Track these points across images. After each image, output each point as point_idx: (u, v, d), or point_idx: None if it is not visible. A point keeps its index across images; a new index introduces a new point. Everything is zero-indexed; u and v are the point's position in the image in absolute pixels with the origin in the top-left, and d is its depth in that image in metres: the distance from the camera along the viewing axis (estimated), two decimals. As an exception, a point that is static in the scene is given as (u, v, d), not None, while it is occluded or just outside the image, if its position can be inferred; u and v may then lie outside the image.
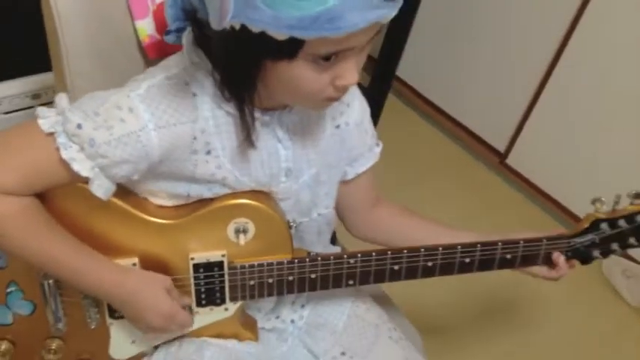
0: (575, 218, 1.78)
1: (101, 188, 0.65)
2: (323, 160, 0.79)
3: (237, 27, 0.56)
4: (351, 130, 0.81)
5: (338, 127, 0.80)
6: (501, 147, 2.00)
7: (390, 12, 0.57)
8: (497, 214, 1.86)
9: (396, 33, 1.82)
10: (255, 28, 0.55)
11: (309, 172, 0.78)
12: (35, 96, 1.23)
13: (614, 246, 0.87)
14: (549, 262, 0.85)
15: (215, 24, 0.55)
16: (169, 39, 0.70)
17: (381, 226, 0.91)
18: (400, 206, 0.93)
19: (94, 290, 0.71)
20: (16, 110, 1.24)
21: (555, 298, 1.66)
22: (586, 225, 0.84)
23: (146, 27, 0.78)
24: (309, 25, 0.53)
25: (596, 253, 0.87)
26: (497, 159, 2.01)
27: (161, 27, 0.78)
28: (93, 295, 0.73)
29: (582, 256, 0.86)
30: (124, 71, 0.71)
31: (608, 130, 1.72)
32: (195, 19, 0.66)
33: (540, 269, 0.86)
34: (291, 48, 0.57)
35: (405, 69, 2.08)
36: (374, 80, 1.94)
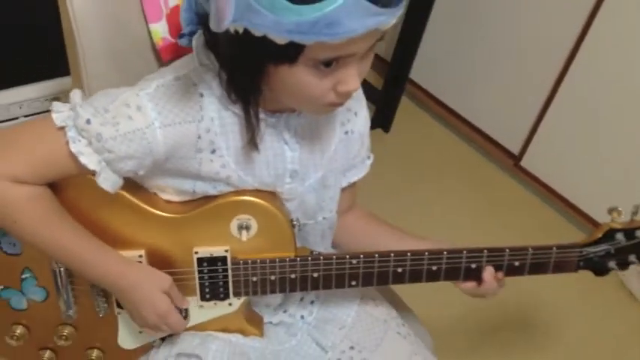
0: (592, 221, 1.74)
1: (107, 181, 0.68)
2: (330, 165, 0.80)
3: (241, 31, 0.58)
4: (355, 138, 0.82)
5: (346, 133, 0.81)
6: (515, 149, 1.97)
7: (389, 19, 0.58)
8: (512, 216, 1.83)
9: (409, 35, 1.83)
10: (257, 32, 0.57)
11: (315, 176, 0.79)
12: (54, 99, 1.29)
13: (632, 258, 0.84)
14: (477, 278, 0.80)
15: (214, 26, 0.57)
16: (183, 42, 0.73)
17: (348, 230, 0.91)
18: (367, 211, 0.93)
19: (99, 280, 0.74)
20: (36, 113, 1.30)
21: (569, 301, 1.63)
22: (599, 235, 0.82)
23: (160, 30, 0.81)
24: (308, 30, 0.55)
25: (611, 264, 0.84)
26: (512, 161, 1.98)
27: (174, 30, 0.81)
28: (99, 285, 0.76)
29: (596, 266, 0.84)
30: (139, 73, 0.74)
31: (623, 132, 1.68)
32: (207, 23, 0.68)
33: (468, 285, 0.81)
34: (291, 52, 0.59)
35: (418, 71, 2.07)
36: (387, 83, 1.95)
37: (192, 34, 0.72)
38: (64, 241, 0.70)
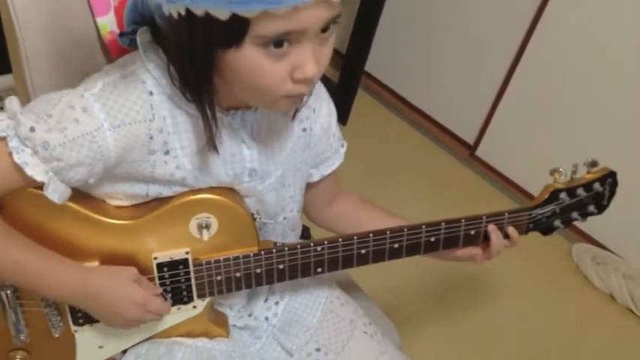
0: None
1: (56, 192, 0.63)
2: (288, 163, 0.78)
3: (183, 12, 0.55)
4: (316, 134, 0.81)
5: (304, 130, 0.79)
6: (470, 139, 2.02)
7: None
8: (468, 205, 1.87)
9: (364, 28, 1.84)
10: (197, 10, 0.54)
11: (275, 174, 0.77)
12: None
13: (575, 215, 0.89)
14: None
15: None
16: (124, 41, 0.70)
17: (339, 217, 0.92)
18: (359, 198, 0.94)
19: (57, 294, 0.69)
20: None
21: (527, 284, 1.68)
22: (546, 196, 0.86)
23: (108, 23, 0.76)
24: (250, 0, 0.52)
25: (557, 223, 0.88)
26: (467, 151, 2.03)
27: (123, 23, 0.77)
28: (57, 299, 0.71)
29: (543, 227, 0.88)
30: (85, 70, 0.70)
31: (574, 119, 1.75)
32: (153, 22, 0.66)
33: (472, 250, 0.86)
34: (236, 30, 0.56)
35: (373, 63, 2.08)
36: (343, 76, 1.95)
37: (133, 33, 0.69)
38: (14, 257, 0.65)
